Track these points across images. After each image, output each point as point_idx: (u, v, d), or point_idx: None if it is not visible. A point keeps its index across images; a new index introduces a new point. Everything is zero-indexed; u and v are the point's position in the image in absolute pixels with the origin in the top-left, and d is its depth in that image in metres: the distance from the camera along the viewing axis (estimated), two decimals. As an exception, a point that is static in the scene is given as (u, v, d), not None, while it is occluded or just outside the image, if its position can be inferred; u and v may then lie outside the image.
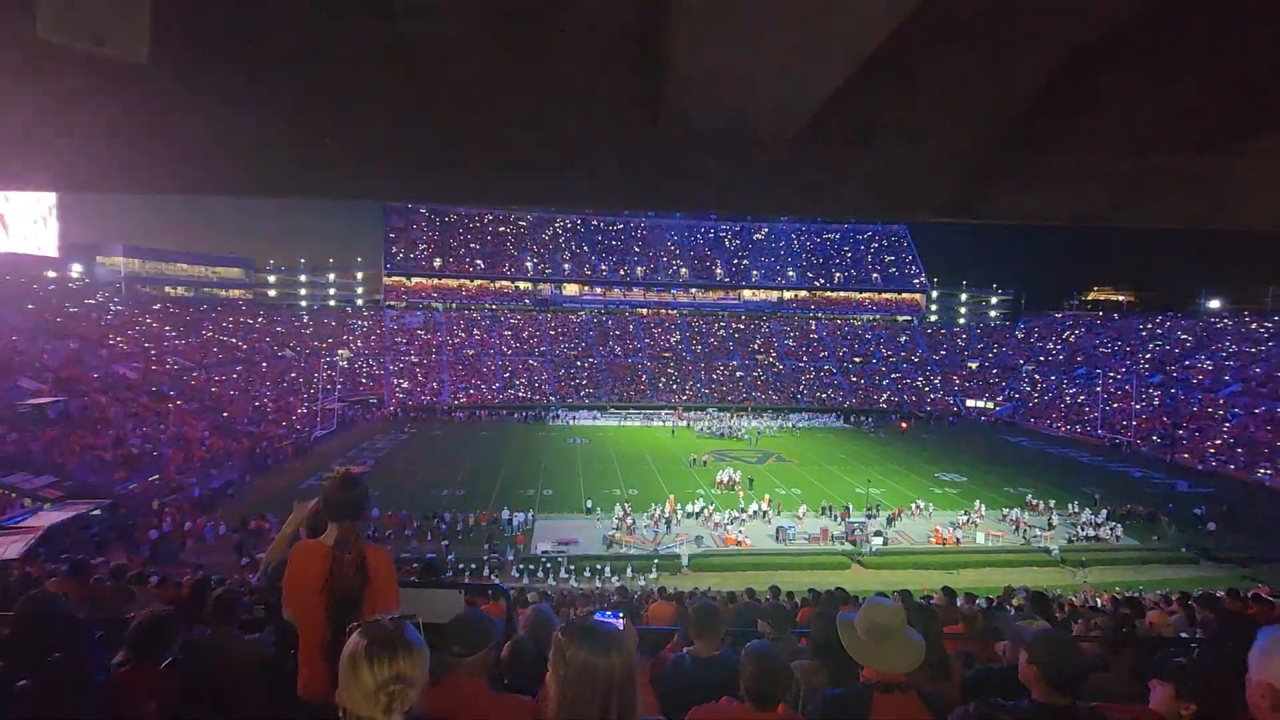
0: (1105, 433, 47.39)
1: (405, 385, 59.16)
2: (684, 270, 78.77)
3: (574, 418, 53.45)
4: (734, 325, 73.93)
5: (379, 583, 2.45)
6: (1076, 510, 28.15)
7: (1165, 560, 23.92)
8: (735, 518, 26.56)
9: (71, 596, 5.11)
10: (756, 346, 70.85)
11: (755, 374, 66.25)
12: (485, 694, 2.10)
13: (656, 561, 22.36)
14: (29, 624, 2.41)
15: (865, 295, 79.00)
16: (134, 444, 30.67)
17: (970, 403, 61.31)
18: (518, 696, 2.15)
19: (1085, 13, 1.20)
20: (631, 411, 55.93)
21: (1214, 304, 67.85)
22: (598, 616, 1.58)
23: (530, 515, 26.44)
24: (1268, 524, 26.92)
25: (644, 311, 75.47)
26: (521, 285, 75.39)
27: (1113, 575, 21.87)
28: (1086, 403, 53.18)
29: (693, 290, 77.90)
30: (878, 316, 77.57)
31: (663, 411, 55.50)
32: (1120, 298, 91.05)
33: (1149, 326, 61.18)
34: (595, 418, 53.77)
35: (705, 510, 27.25)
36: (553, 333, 69.90)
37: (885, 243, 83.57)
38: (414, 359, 63.34)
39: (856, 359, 69.20)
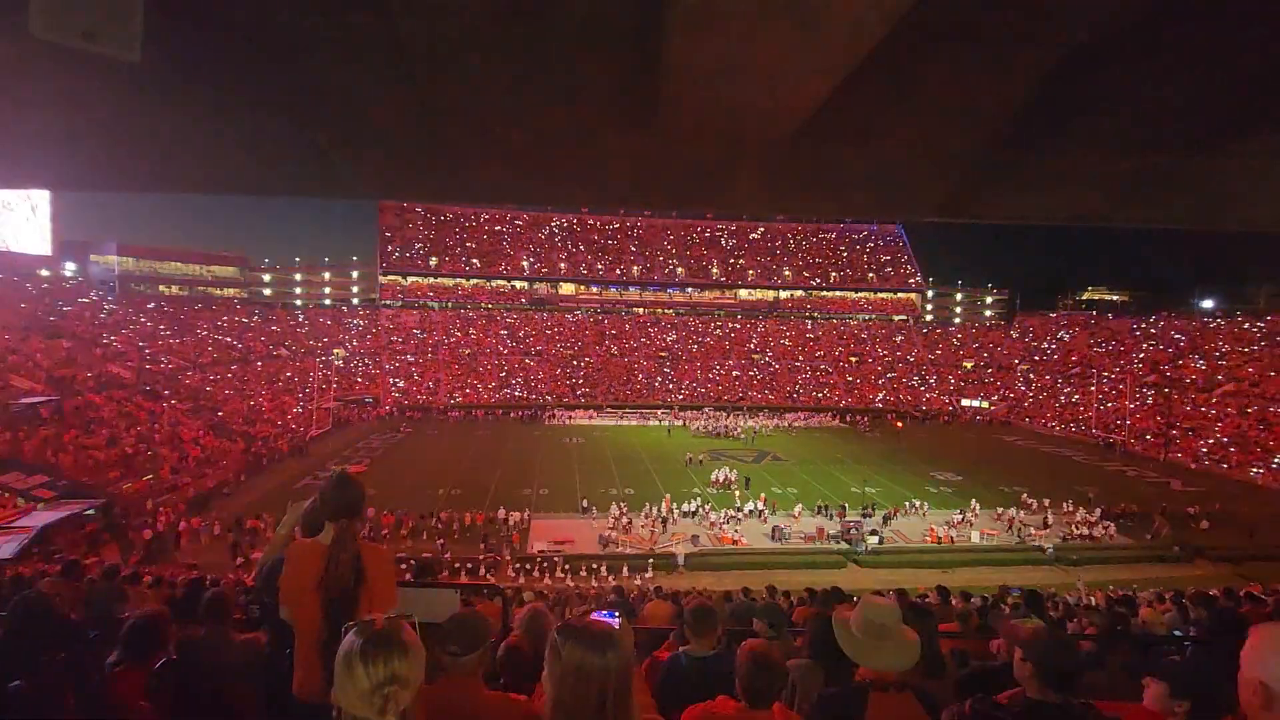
0: (1099, 432, 47.61)
1: (401, 384, 59.06)
2: (680, 269, 78.79)
3: (570, 417, 53.42)
4: (730, 325, 74.00)
5: (376, 582, 2.45)
6: (1071, 509, 28.27)
7: (1158, 559, 24.04)
8: (731, 517, 26.59)
9: (64, 597, 5.09)
10: (752, 346, 70.94)
11: (751, 373, 66.32)
12: (481, 694, 2.10)
13: (652, 561, 22.36)
14: (21, 625, 2.40)
15: (861, 295, 79.14)
16: (128, 443, 30.54)
17: (965, 402, 61.50)
18: (513, 696, 2.15)
19: (1082, 13, 1.20)
20: (627, 411, 55.94)
21: (1207, 304, 68.23)
22: (594, 616, 1.58)
23: (526, 515, 26.42)
24: (1260, 523, 27.09)
25: (640, 311, 75.47)
26: (518, 284, 75.31)
27: (1106, 574, 21.95)
28: (1080, 402, 53.41)
29: (689, 290, 77.93)
30: (873, 316, 77.73)
31: (659, 411, 55.51)
32: (1115, 298, 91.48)
33: (1143, 326, 61.45)
34: (591, 417, 53.76)
35: (701, 510, 27.26)
36: (549, 332, 69.85)
37: (881, 242, 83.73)
38: (410, 358, 63.23)
39: (852, 358, 69.33)
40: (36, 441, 27.22)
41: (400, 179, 2.07)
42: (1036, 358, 65.18)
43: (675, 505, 27.42)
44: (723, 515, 26.60)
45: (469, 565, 21.25)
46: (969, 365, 68.05)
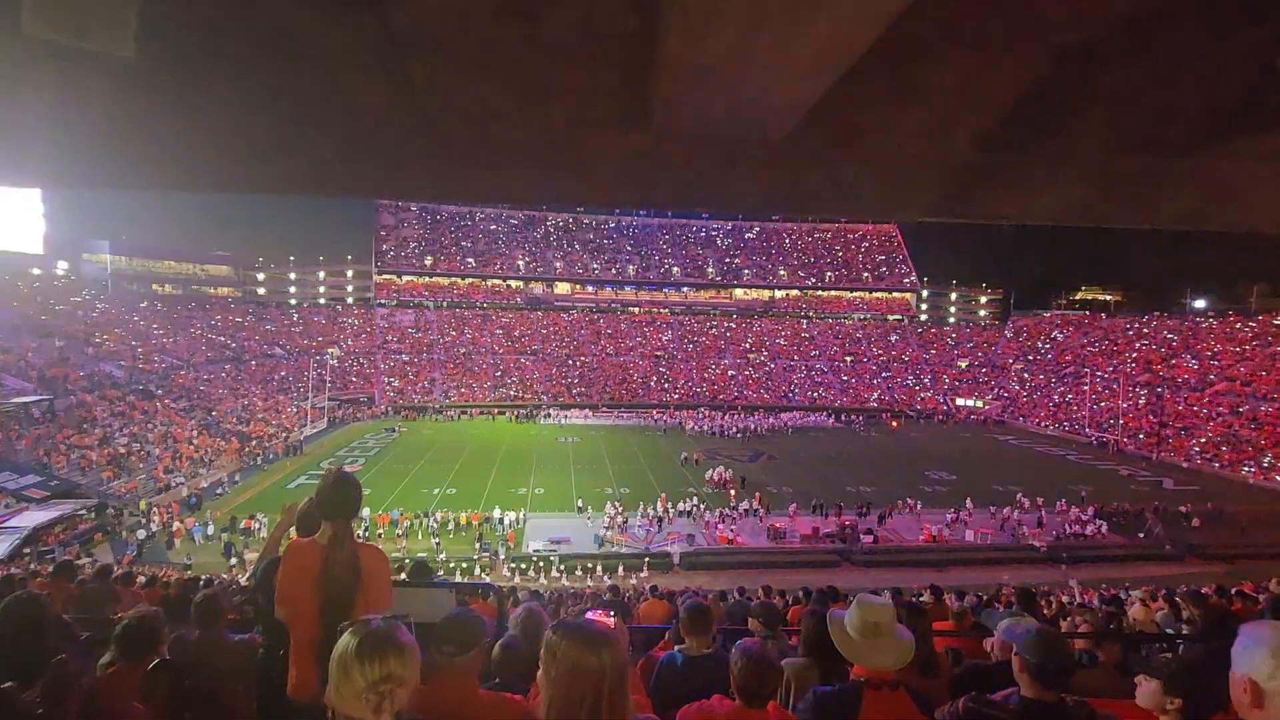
0: (1092, 431, 47.85)
1: (396, 384, 58.91)
2: (676, 269, 78.83)
3: (565, 416, 53.39)
4: (725, 324, 74.06)
5: (372, 582, 2.44)
6: (1065, 508, 28.41)
7: (1151, 557, 24.18)
8: (726, 516, 26.62)
9: (55, 598, 5.06)
10: (748, 345, 71.02)
11: (747, 373, 66.40)
12: (476, 693, 2.10)
13: (648, 560, 22.38)
14: (11, 626, 2.38)
15: (856, 295, 79.34)
16: (121, 443, 30.39)
17: (960, 401, 61.71)
18: (509, 696, 2.15)
19: (1076, 14, 1.21)
20: (623, 410, 55.93)
21: (1199, 304, 68.65)
22: (589, 615, 1.58)
23: (522, 514, 26.40)
24: (1251, 521, 27.27)
25: (636, 310, 75.47)
26: (513, 284, 75.22)
27: (1099, 572, 22.07)
28: (1074, 401, 53.66)
29: (684, 289, 77.98)
30: (868, 316, 77.93)
31: (654, 410, 55.52)
32: (1108, 297, 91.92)
33: (1136, 326, 61.78)
34: (587, 417, 53.72)
35: (697, 509, 27.28)
36: (544, 331, 69.77)
37: (876, 242, 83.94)
38: (405, 357, 63.07)
39: (847, 358, 69.49)
40: (28, 441, 27.06)
41: (395, 178, 2.06)
42: (1030, 357, 65.45)
43: (671, 504, 27.43)
44: (718, 514, 26.63)
45: (464, 565, 21.23)
46: (963, 365, 68.29)
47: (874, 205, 2.57)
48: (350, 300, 76.89)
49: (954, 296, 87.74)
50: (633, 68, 1.36)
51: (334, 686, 1.34)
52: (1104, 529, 26.54)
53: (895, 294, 79.96)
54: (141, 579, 9.81)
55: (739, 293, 78.52)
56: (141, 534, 23.12)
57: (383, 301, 70.83)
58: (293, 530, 3.09)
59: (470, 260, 74.70)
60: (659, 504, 27.22)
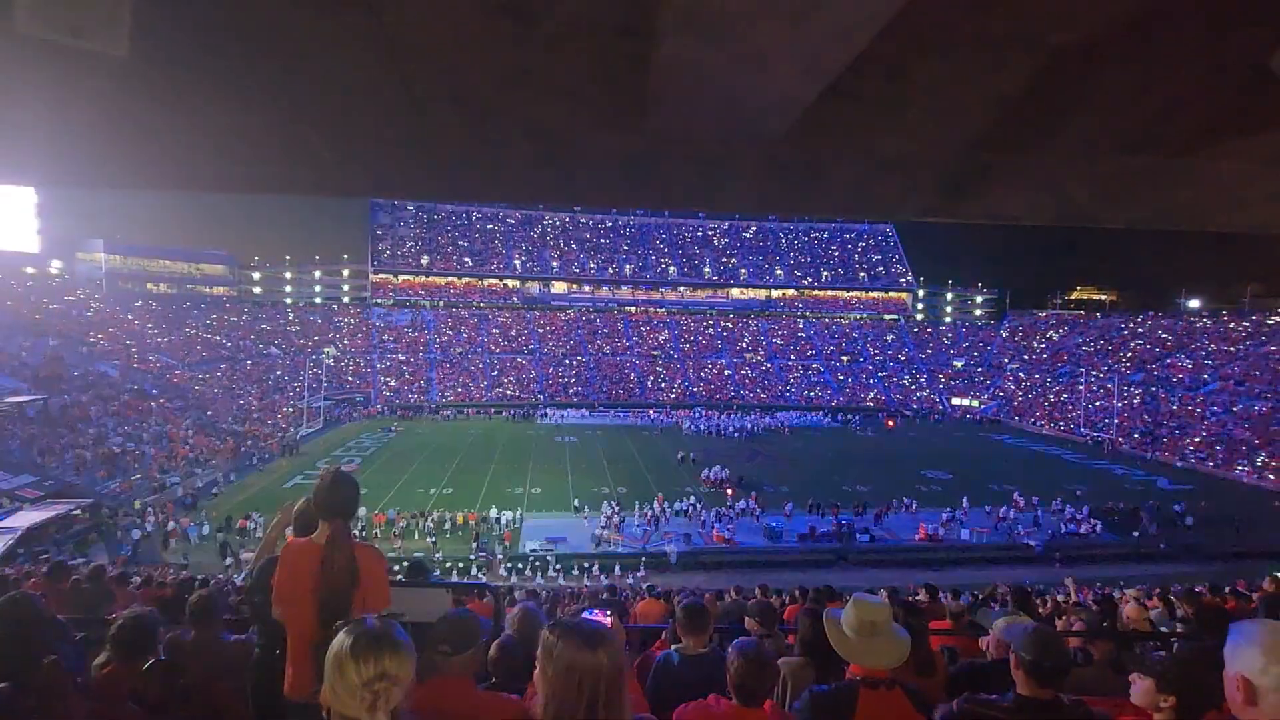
0: (1087, 430, 48.03)
1: (392, 383, 58.82)
2: (672, 269, 78.87)
3: (562, 416, 53.36)
4: (722, 324, 74.12)
5: (370, 582, 2.44)
6: (1060, 507, 28.52)
7: (1145, 556, 24.29)
8: (723, 515, 26.65)
9: (49, 598, 5.04)
10: (744, 345, 71.09)
11: (743, 372, 66.46)
12: (472, 693, 2.10)
13: (645, 559, 22.39)
14: (4, 627, 2.37)
15: (852, 294, 79.50)
16: (115, 443, 30.28)
17: (956, 401, 61.88)
18: (505, 695, 2.15)
19: (1072, 14, 1.22)
20: (620, 410, 55.94)
21: (1193, 304, 69.00)
22: (585, 614, 1.58)
23: (518, 513, 26.38)
24: (1245, 520, 27.42)
25: (632, 310, 75.49)
26: (509, 283, 75.16)
27: (1094, 571, 22.15)
28: (1069, 401, 53.86)
29: (681, 289, 78.02)
30: (865, 315, 78.11)
31: (651, 410, 55.53)
32: (1103, 297, 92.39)
33: (1130, 326, 62.04)
34: (584, 416, 53.71)
35: (693, 508, 27.30)
36: (541, 331, 69.73)
37: (872, 242, 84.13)
38: (401, 357, 62.97)
39: (844, 357, 69.62)
40: (22, 441, 26.94)
41: (391, 177, 2.06)
42: (1026, 356, 65.67)
43: (667, 504, 27.45)
44: (714, 514, 26.65)
45: (460, 564, 21.21)
46: (959, 364, 68.47)
47: (870, 205, 2.57)
48: (346, 300, 76.72)
49: (950, 296, 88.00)
50: (628, 67, 1.36)
51: (329, 685, 1.34)
52: (1099, 528, 26.64)
53: (891, 293, 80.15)
54: (137, 579, 9.78)
55: (736, 292, 78.60)
56: (136, 534, 23.03)
57: (379, 301, 70.73)
58: (289, 530, 3.08)
59: (467, 260, 74.62)
60: (656, 503, 27.24)
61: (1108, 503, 29.30)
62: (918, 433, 50.57)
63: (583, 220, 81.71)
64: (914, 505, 28.38)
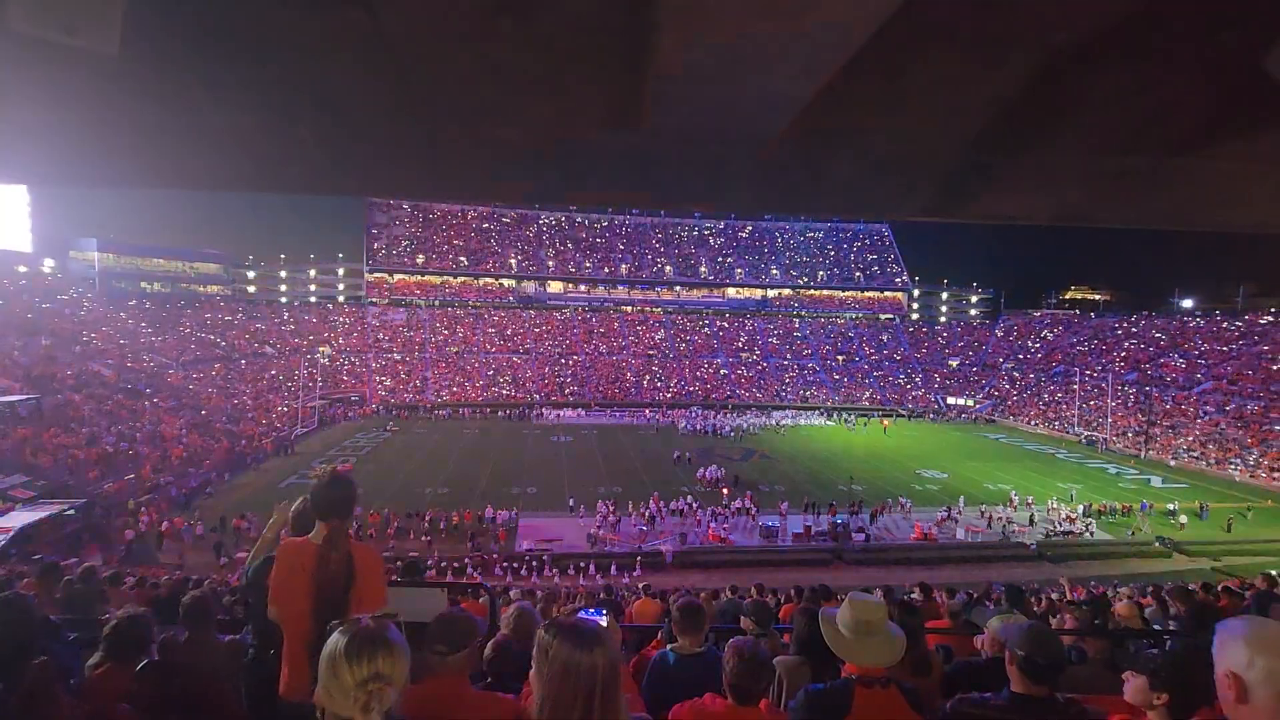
0: (1081, 429, 48.22)
1: (388, 383, 58.68)
2: (668, 268, 78.87)
3: (558, 415, 53.32)
4: (718, 323, 74.18)
5: (367, 581, 2.43)
6: (1056, 506, 28.65)
7: (1139, 554, 24.41)
8: (719, 515, 26.67)
9: (41, 599, 5.01)
10: (740, 344, 71.16)
11: (739, 372, 66.53)
12: (468, 693, 2.09)
13: (640, 559, 22.39)
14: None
15: (848, 294, 79.66)
16: (109, 443, 30.12)
17: (951, 400, 62.07)
18: (501, 695, 2.14)
19: (1067, 15, 1.22)
20: (616, 409, 55.91)
21: (1187, 303, 69.34)
22: (581, 614, 1.58)
23: (514, 513, 26.36)
24: (1237, 518, 27.59)
25: (628, 309, 75.48)
26: (505, 282, 75.04)
27: (1088, 569, 22.27)
28: (1064, 400, 54.08)
29: (677, 288, 78.03)
30: (860, 315, 78.27)
31: (647, 409, 55.54)
32: (1097, 297, 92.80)
33: (1124, 325, 62.31)
34: (580, 416, 53.69)
35: (689, 507, 27.32)
36: (537, 330, 69.67)
37: (868, 242, 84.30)
38: (396, 356, 62.84)
39: (839, 357, 69.77)
40: (15, 441, 26.78)
41: (386, 176, 2.05)
42: (1020, 356, 65.91)
43: (663, 503, 27.45)
44: (710, 513, 26.67)
45: (456, 564, 21.17)
46: (954, 364, 68.68)
47: (866, 205, 2.57)
48: (341, 299, 76.42)
49: (945, 296, 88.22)
50: (625, 65, 1.35)
51: (322, 685, 1.34)
52: (1093, 527, 26.77)
53: (887, 293, 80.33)
54: (130, 579, 9.73)
55: (732, 291, 78.66)
56: (130, 534, 22.92)
57: (374, 300, 70.54)
58: (285, 530, 3.07)
59: (462, 259, 74.47)
60: (652, 503, 27.24)
61: (1101, 501, 29.46)
62: (913, 432, 50.72)
63: (579, 220, 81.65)
64: (909, 505, 28.45)
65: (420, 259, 73.15)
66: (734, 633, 3.84)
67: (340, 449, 39.76)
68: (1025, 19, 1.21)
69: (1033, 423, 53.88)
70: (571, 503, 27.80)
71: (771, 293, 78.92)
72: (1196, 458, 40.51)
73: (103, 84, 1.38)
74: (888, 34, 1.17)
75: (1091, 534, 26.32)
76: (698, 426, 48.74)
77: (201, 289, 70.91)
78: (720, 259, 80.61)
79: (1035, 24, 1.22)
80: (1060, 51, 1.29)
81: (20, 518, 20.91)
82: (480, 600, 6.21)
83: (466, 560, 21.69)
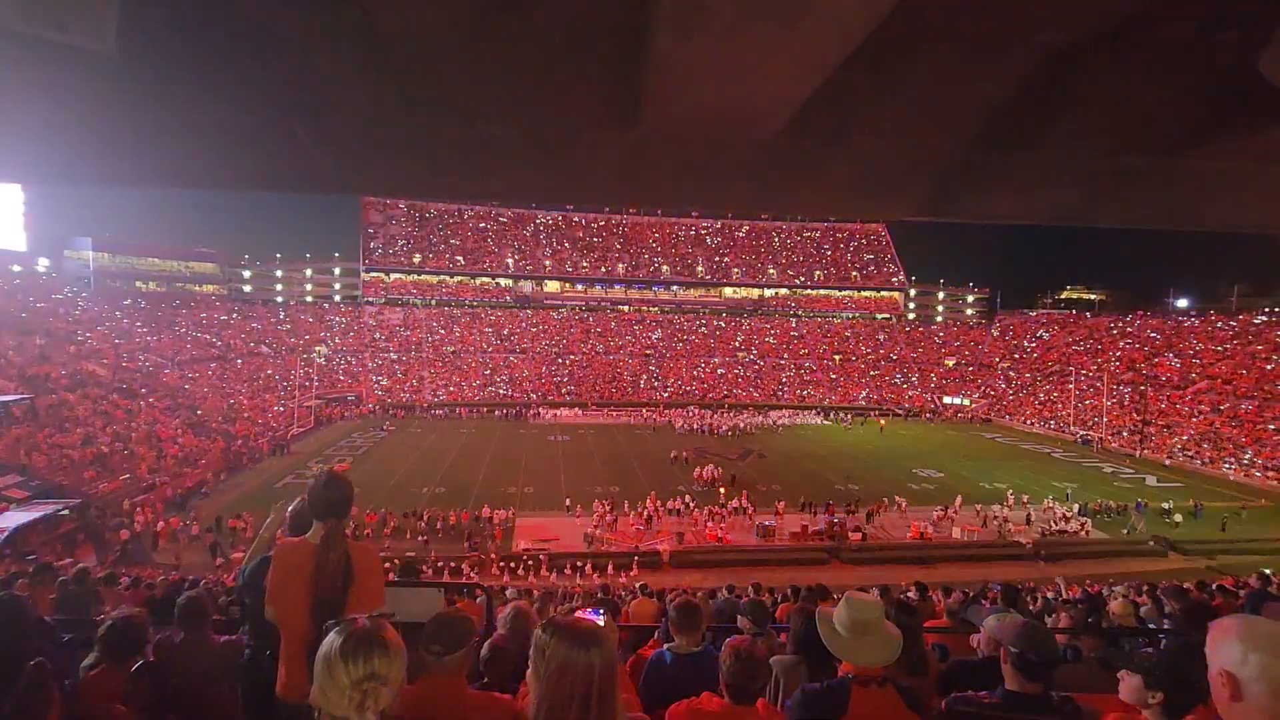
0: (1077, 429, 48.37)
1: (384, 382, 58.57)
2: (665, 268, 78.86)
3: (555, 415, 53.29)
4: (715, 323, 74.21)
5: (365, 582, 2.43)
6: (1052, 505, 28.73)
7: (1134, 553, 24.49)
8: (716, 514, 26.68)
9: (35, 600, 4.99)
10: (737, 344, 71.21)
11: (736, 371, 66.57)
12: (465, 693, 2.09)
13: (637, 558, 22.39)
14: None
15: (845, 293, 79.77)
16: (103, 442, 29.99)
17: (947, 399, 62.20)
18: (497, 695, 2.14)
19: (1062, 15, 1.22)
20: (613, 409, 55.90)
21: (1182, 303, 69.62)
22: (578, 614, 1.58)
23: (511, 513, 26.33)
24: (1231, 517, 27.70)
25: (625, 309, 75.48)
26: (502, 282, 74.95)
27: (1083, 568, 22.32)
28: (1059, 399, 54.24)
29: (674, 288, 78.05)
30: (857, 314, 78.38)
31: (644, 409, 55.54)
32: (1092, 297, 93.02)
33: (1119, 325, 62.50)
34: (576, 415, 53.67)
35: (686, 507, 27.32)
36: (533, 329, 69.61)
37: (864, 242, 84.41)
38: (393, 356, 62.72)
39: (836, 356, 69.84)
40: (8, 441, 26.65)
41: (382, 175, 2.05)
42: (1016, 355, 66.06)
43: (660, 503, 27.45)
44: (707, 513, 26.68)
45: (453, 564, 21.14)
46: (950, 363, 68.82)
47: (863, 205, 2.58)
48: (337, 298, 76.24)
49: (941, 295, 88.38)
50: (622, 65, 1.35)
51: (318, 685, 1.33)
52: (1088, 526, 26.85)
53: (883, 293, 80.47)
54: (125, 580, 9.70)
55: (728, 291, 78.71)
56: (125, 534, 22.83)
57: (370, 299, 70.39)
58: (282, 530, 3.06)
59: (459, 258, 74.36)
60: (648, 502, 27.24)
61: (1097, 500, 29.55)
62: (909, 431, 50.81)
63: (576, 219, 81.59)
64: (905, 504, 28.50)
65: (417, 258, 73.02)
66: (731, 632, 3.84)
67: (336, 449, 39.67)
68: (1020, 20, 1.22)
69: (1028, 422, 54.03)
70: (568, 502, 27.78)
71: (768, 292, 78.99)
72: (1191, 457, 40.66)
73: (100, 83, 1.38)
74: (883, 34, 1.17)
75: (1087, 533, 26.39)
76: (695, 426, 48.75)
77: (197, 288, 70.69)
78: (717, 258, 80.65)
79: (1030, 25, 1.23)
80: (1055, 53, 1.29)
81: (14, 518, 20.81)
82: (477, 600, 6.21)
83: (464, 560, 21.66)
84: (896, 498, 29.04)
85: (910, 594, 9.53)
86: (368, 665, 1.31)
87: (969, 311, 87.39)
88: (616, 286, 77.40)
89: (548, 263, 76.61)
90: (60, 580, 6.59)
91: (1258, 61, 1.24)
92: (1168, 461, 40.83)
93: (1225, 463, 38.65)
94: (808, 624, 2.73)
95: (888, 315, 79.05)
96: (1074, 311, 76.94)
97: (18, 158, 1.85)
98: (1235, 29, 1.23)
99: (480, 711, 2.04)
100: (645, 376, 64.13)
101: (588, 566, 21.46)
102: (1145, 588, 10.29)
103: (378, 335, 65.18)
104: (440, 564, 20.94)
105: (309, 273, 79.07)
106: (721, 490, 29.99)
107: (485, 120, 1.60)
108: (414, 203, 76.32)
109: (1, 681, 2.09)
